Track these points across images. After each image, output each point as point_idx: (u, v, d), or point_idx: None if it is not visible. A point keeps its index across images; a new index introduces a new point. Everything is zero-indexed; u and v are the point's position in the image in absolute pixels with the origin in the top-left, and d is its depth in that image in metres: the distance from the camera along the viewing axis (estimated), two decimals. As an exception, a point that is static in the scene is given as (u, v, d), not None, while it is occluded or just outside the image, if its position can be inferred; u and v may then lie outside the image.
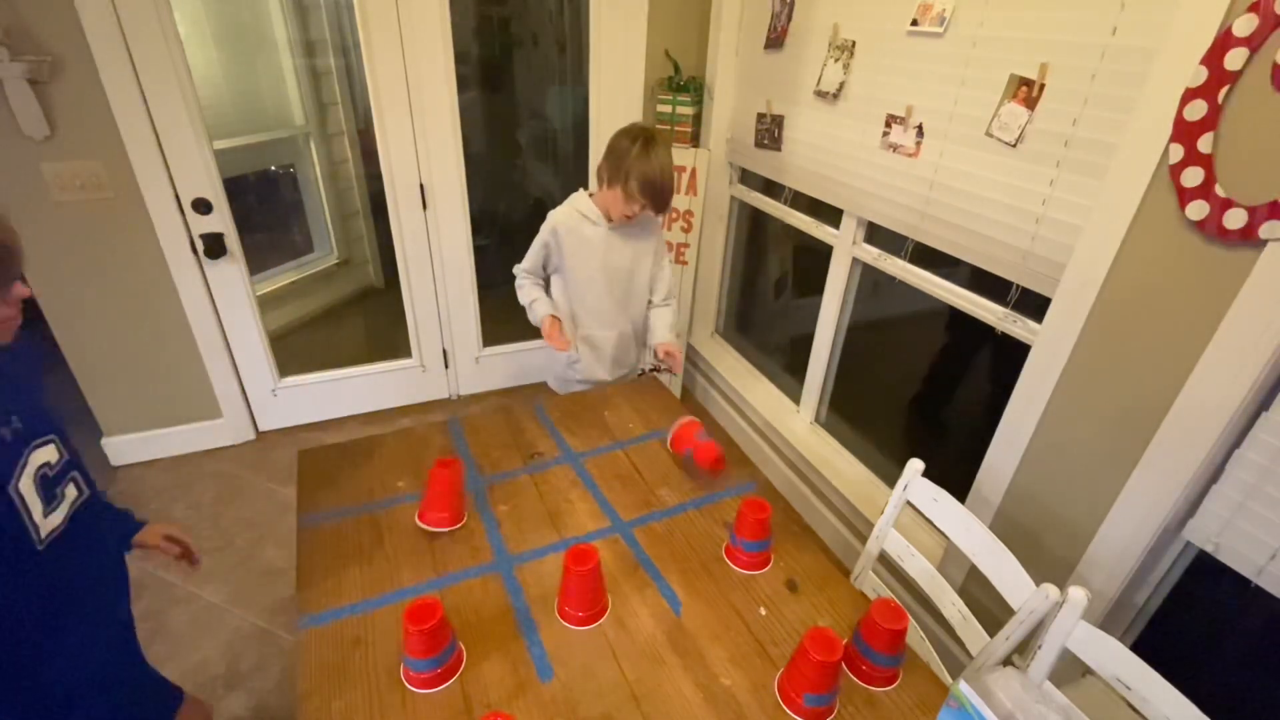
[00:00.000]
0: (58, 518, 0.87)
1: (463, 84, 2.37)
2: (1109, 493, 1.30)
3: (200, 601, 1.95)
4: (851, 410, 2.38)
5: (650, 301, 1.89)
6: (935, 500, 1.27)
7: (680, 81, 2.57)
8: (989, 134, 1.49)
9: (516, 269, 1.83)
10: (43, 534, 0.84)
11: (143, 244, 2.15)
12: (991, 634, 1.15)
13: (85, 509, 0.93)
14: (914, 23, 1.64)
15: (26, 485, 0.82)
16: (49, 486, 0.86)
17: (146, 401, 2.40)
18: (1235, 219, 1.05)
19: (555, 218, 1.74)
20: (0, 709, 0.83)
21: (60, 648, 0.89)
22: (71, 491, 0.91)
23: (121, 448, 2.45)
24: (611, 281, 1.79)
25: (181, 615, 1.91)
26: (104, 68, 1.90)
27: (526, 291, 1.81)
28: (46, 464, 0.86)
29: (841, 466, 2.26)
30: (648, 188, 1.60)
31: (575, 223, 1.72)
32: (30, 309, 2.23)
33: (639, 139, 1.60)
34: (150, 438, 2.47)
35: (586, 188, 1.79)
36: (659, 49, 2.53)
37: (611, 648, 1.07)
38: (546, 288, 1.85)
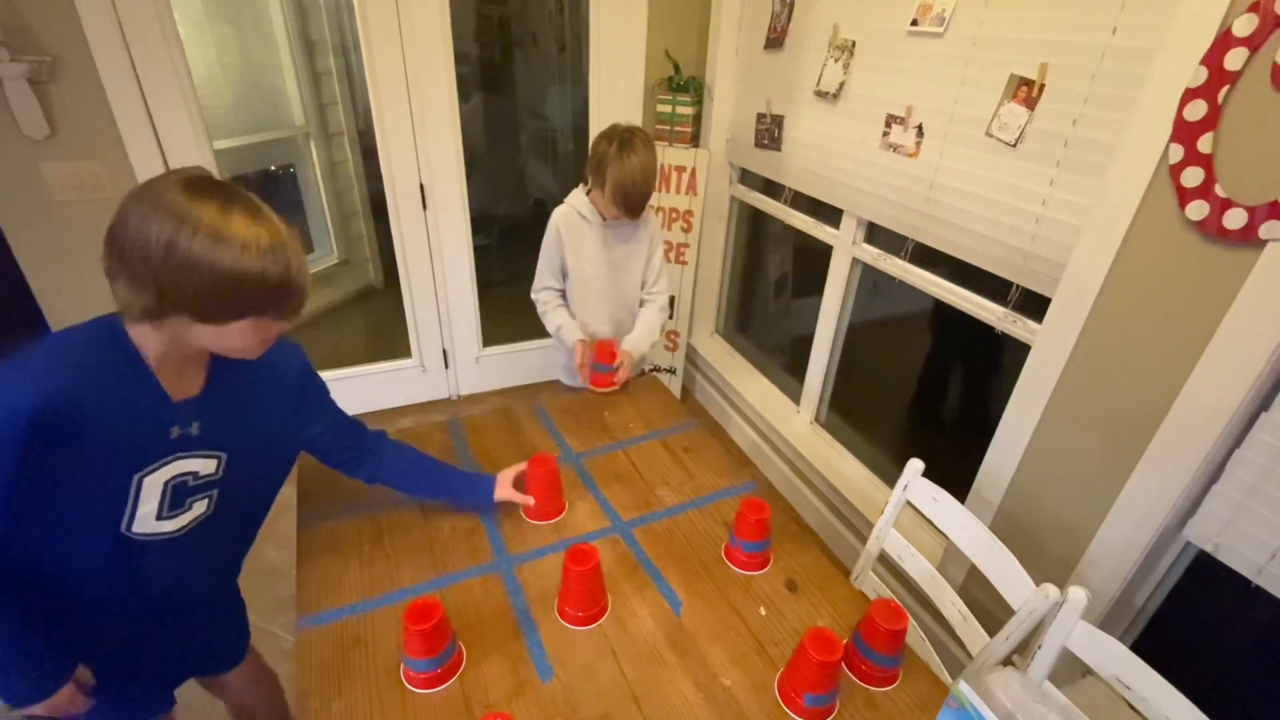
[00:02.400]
0: (170, 525, 0.88)
1: (463, 84, 2.37)
2: (1109, 493, 1.30)
3: (200, 601, 1.95)
4: (851, 410, 2.38)
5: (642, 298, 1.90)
6: (935, 500, 1.27)
7: (680, 81, 2.57)
8: (989, 134, 1.49)
9: (534, 292, 1.83)
10: (135, 529, 0.85)
11: (143, 244, 2.15)
12: (991, 634, 1.15)
13: (209, 525, 0.94)
14: (914, 23, 1.64)
15: (153, 481, 0.84)
16: (181, 494, 0.88)
17: (146, 401, 2.40)
18: (1235, 219, 1.05)
19: (556, 217, 1.75)
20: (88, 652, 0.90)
21: (151, 640, 0.96)
22: (200, 506, 0.92)
23: (121, 448, 2.44)
24: (611, 278, 1.80)
25: (181, 615, 1.90)
26: (104, 68, 1.90)
27: (552, 317, 1.81)
28: (193, 473, 0.88)
29: (841, 466, 2.26)
30: (620, 194, 1.59)
31: (574, 221, 1.73)
32: (31, 309, 2.21)
33: (615, 141, 1.58)
34: (150, 438, 2.47)
35: (585, 183, 1.78)
36: (659, 49, 2.53)
37: (611, 648, 1.07)
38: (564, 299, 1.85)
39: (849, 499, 2.11)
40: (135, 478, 0.82)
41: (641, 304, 1.89)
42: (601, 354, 1.72)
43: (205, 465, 0.89)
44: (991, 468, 1.58)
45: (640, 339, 1.83)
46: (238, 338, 0.80)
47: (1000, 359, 1.76)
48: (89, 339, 0.80)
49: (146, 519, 0.85)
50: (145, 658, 1.01)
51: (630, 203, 1.61)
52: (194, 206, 0.71)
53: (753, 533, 1.21)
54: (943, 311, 1.84)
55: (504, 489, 1.28)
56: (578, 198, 1.74)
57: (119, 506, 0.83)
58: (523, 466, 1.31)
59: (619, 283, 1.83)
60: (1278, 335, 1.02)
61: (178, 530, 0.90)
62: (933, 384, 2.19)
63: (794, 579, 1.23)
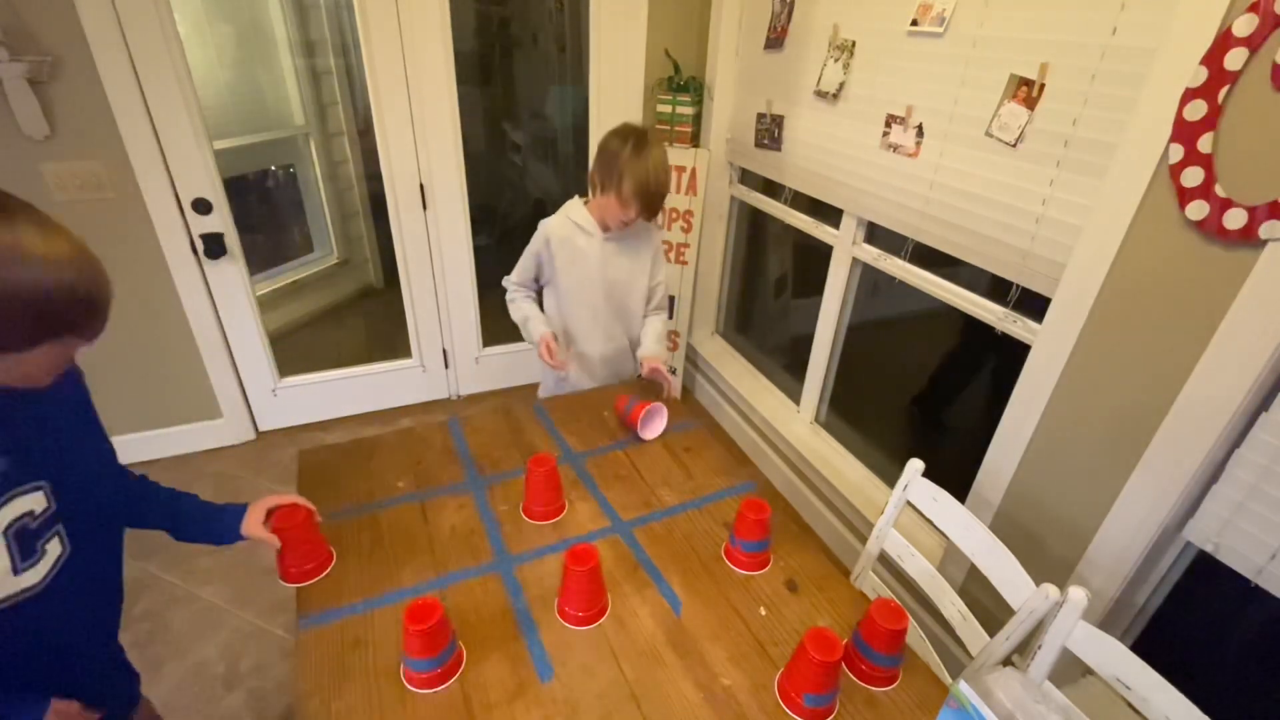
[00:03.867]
0: (32, 577, 0.78)
1: (463, 84, 2.37)
2: (1109, 493, 1.30)
3: (200, 601, 1.95)
4: (851, 410, 2.38)
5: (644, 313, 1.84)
6: (935, 500, 1.27)
7: (680, 81, 2.57)
8: (989, 134, 1.49)
9: (506, 281, 1.79)
10: (2, 592, 0.76)
11: (143, 244, 2.15)
12: (991, 634, 1.15)
13: (69, 567, 0.84)
14: (914, 23, 1.64)
15: None
16: (27, 539, 0.77)
17: (146, 401, 2.40)
18: (1235, 219, 1.05)
19: (548, 227, 1.67)
20: None
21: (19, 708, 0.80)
22: (54, 548, 0.81)
23: (121, 448, 2.38)
24: (608, 296, 1.73)
25: (181, 615, 1.91)
26: (104, 68, 1.90)
27: (518, 308, 1.76)
28: (29, 513, 0.77)
29: (841, 466, 2.26)
30: (641, 192, 1.52)
31: (569, 233, 1.66)
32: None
33: (630, 139, 1.52)
34: (150, 438, 2.47)
35: (583, 195, 1.72)
36: (659, 49, 2.53)
37: (611, 648, 1.07)
38: (539, 300, 1.80)
39: (849, 499, 2.11)
40: None
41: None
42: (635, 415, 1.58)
43: (35, 501, 0.78)
44: (991, 468, 1.58)
45: (658, 347, 1.79)
46: (34, 365, 0.70)
47: (1000, 359, 1.76)
48: None
49: (4, 579, 0.75)
50: None
51: (651, 200, 1.54)
52: None
53: (753, 533, 1.21)
54: (943, 311, 1.84)
55: (253, 525, 1.09)
56: (576, 210, 1.67)
57: None
58: (273, 502, 1.13)
59: (619, 299, 1.75)
60: (1278, 335, 1.02)
61: (42, 581, 0.79)
62: (933, 384, 2.20)
63: (794, 579, 1.23)
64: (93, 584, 0.91)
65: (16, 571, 0.76)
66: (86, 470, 0.89)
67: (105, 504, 0.93)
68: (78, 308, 0.69)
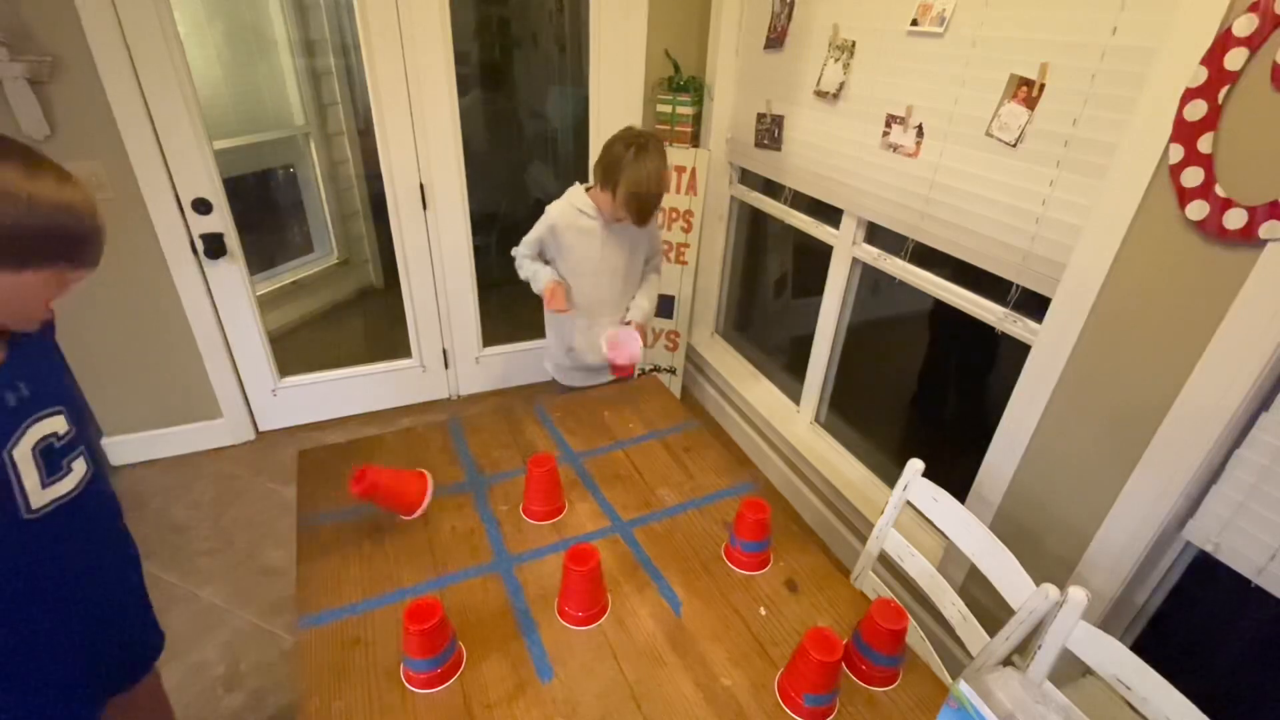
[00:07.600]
0: (63, 487, 0.88)
1: (463, 84, 2.37)
2: (1109, 493, 1.30)
3: (200, 601, 1.95)
4: (851, 410, 2.38)
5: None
6: (935, 500, 1.27)
7: (680, 81, 2.57)
8: (989, 134, 1.49)
9: (515, 251, 1.85)
10: (33, 504, 0.84)
11: (143, 244, 2.15)
12: (991, 634, 1.15)
13: (93, 485, 0.93)
14: (914, 23, 1.64)
15: (23, 453, 0.82)
16: (53, 457, 0.86)
17: (146, 401, 2.40)
18: (1235, 219, 1.05)
19: (552, 213, 1.75)
20: None
21: (45, 619, 0.90)
22: (80, 466, 0.91)
23: (121, 448, 2.44)
24: (611, 275, 1.81)
25: (181, 615, 1.91)
26: (104, 68, 1.90)
27: (527, 267, 1.82)
28: (54, 434, 0.86)
29: (841, 466, 2.26)
30: (632, 201, 1.59)
31: (572, 218, 1.73)
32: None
33: (632, 146, 1.58)
34: (150, 438, 2.47)
35: (584, 181, 1.78)
36: (659, 49, 2.53)
37: (611, 648, 1.07)
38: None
39: (849, 499, 2.11)
40: (1, 455, 0.80)
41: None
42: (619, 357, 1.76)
43: (57, 424, 0.87)
44: (991, 467, 1.58)
45: (648, 306, 1.88)
46: (31, 290, 0.77)
47: (1000, 359, 1.76)
48: None
49: (36, 490, 0.84)
50: (61, 665, 0.94)
51: (643, 210, 1.61)
52: None
53: (753, 533, 1.21)
54: (943, 311, 1.84)
55: None
56: (579, 197, 1.74)
57: (8, 491, 0.81)
58: None
59: (622, 280, 1.83)
60: (1278, 335, 1.02)
61: (71, 493, 0.89)
62: (933, 384, 2.20)
63: (794, 579, 1.23)
64: (107, 508, 1.01)
65: (44, 485, 0.86)
66: (81, 403, 0.97)
67: (94, 433, 1.04)
68: (79, 238, 0.79)
